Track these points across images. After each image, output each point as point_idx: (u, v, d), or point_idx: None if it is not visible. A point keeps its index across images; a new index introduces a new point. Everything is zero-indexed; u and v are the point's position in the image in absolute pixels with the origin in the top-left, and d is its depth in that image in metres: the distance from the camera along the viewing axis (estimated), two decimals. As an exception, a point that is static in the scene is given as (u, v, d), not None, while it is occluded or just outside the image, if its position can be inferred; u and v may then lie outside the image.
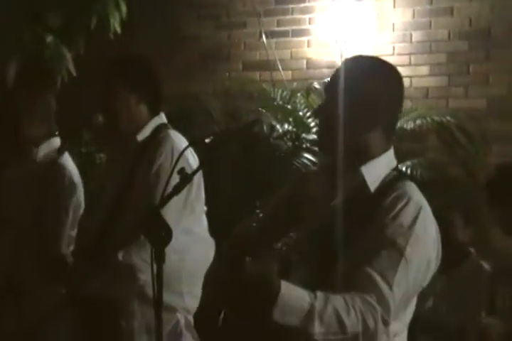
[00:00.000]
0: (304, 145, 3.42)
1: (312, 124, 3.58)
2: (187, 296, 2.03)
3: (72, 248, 2.27)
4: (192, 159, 1.97)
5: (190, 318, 2.03)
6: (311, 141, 3.40)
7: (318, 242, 1.39)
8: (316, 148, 3.41)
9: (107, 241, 2.01)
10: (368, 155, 1.44)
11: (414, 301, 1.45)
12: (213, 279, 1.46)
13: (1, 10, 3.37)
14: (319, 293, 1.27)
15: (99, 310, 2.02)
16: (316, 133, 1.60)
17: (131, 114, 2.07)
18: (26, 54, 3.37)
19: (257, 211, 1.60)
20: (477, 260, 2.69)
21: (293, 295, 1.24)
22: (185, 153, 1.99)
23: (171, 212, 1.73)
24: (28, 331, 2.19)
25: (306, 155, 3.35)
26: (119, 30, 3.64)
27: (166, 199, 1.38)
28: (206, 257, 2.11)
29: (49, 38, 3.36)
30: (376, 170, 1.44)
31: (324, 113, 1.47)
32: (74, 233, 2.45)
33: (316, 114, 1.53)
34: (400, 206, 1.38)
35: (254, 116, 3.44)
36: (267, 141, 3.18)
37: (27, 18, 3.36)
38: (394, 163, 1.48)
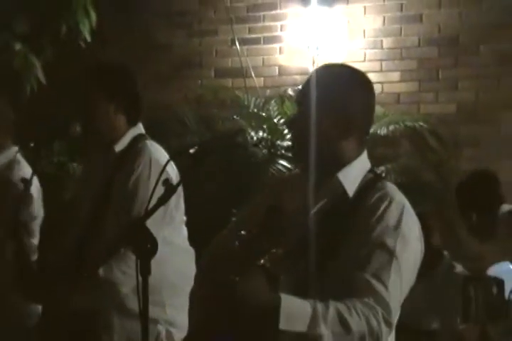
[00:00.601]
0: (279, 152, 3.43)
1: (286, 131, 3.59)
2: (168, 308, 2.00)
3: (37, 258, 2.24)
4: (171, 170, 1.95)
5: (172, 330, 2.00)
6: (286, 148, 3.41)
7: (304, 253, 1.38)
8: (291, 155, 3.42)
9: (86, 255, 1.97)
10: (342, 162, 1.45)
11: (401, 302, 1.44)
12: (201, 305, 1.43)
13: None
14: (319, 302, 1.27)
15: (79, 325, 1.98)
16: (290, 142, 1.60)
17: (109, 124, 2.04)
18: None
19: (233, 221, 1.59)
20: (451, 263, 2.72)
21: (294, 303, 1.25)
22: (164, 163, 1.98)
23: (151, 223, 1.71)
24: None
25: (282, 161, 3.36)
26: (88, 38, 3.60)
27: (151, 211, 1.36)
28: (186, 268, 2.08)
29: (17, 46, 3.29)
30: (352, 175, 1.45)
31: (297, 123, 1.47)
32: (34, 241, 2.45)
33: (289, 125, 1.53)
34: (383, 207, 1.39)
35: (233, 125, 3.44)
36: (242, 149, 3.17)
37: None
38: (368, 165, 1.49)
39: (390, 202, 1.39)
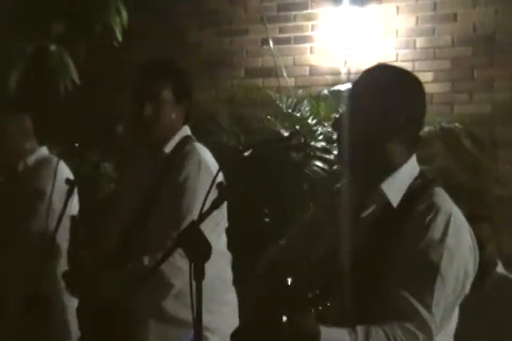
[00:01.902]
0: (313, 154, 3.40)
1: (319, 132, 3.56)
2: (205, 313, 1.98)
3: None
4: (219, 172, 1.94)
5: (208, 335, 1.98)
6: (320, 149, 3.39)
7: (349, 269, 1.35)
8: (326, 156, 3.39)
9: (132, 253, 1.96)
10: (389, 167, 1.41)
11: (457, 311, 1.42)
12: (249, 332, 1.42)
13: (3, 18, 3.32)
14: (359, 330, 1.24)
15: (113, 325, 1.98)
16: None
17: (170, 126, 2.03)
18: (29, 63, 3.32)
19: (280, 242, 1.57)
20: (504, 272, 2.61)
21: (333, 338, 1.22)
22: (214, 166, 1.96)
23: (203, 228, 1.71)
24: None
25: (317, 163, 3.33)
26: (120, 37, 3.60)
27: (205, 215, 1.35)
28: (225, 273, 2.09)
29: (53, 47, 3.31)
30: (397, 184, 1.40)
31: (344, 123, 1.43)
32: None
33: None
34: (428, 219, 1.35)
35: (268, 125, 3.42)
36: (298, 151, 3.15)
37: (30, 26, 3.32)
38: (416, 170, 1.44)
39: (436, 213, 1.35)
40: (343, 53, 3.97)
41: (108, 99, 3.95)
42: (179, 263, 1.76)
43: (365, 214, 1.41)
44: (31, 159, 2.62)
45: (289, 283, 1.26)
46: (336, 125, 1.46)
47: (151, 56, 4.17)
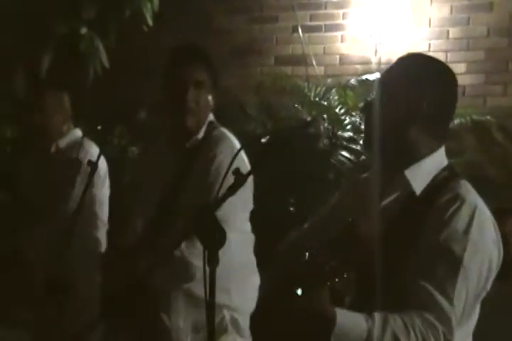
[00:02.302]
0: (340, 143, 3.37)
1: (347, 122, 3.52)
2: (234, 294, 1.99)
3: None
4: (246, 159, 1.93)
5: (237, 316, 1.99)
6: (347, 139, 3.35)
7: (369, 256, 1.32)
8: (352, 146, 3.35)
9: (161, 236, 1.96)
10: (414, 156, 1.39)
11: (478, 307, 1.40)
12: (265, 309, 1.40)
13: (35, 2, 3.35)
14: (377, 316, 1.22)
15: (143, 304, 1.99)
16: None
17: (205, 111, 2.02)
18: (61, 45, 3.34)
19: (309, 220, 1.56)
20: None
21: (349, 322, 1.21)
22: (241, 152, 1.95)
23: (230, 210, 1.71)
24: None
25: (343, 152, 3.30)
26: (151, 22, 3.60)
27: (220, 201, 1.33)
28: (251, 255, 2.09)
29: (83, 30, 3.32)
30: (422, 172, 1.38)
31: (372, 108, 1.42)
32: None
33: (363, 109, 1.49)
34: (452, 209, 1.32)
35: (294, 114, 3.39)
36: (315, 140, 3.13)
37: (61, 9, 3.34)
38: (444, 163, 1.42)
39: (461, 204, 1.33)
40: (374, 42, 3.91)
41: (135, 85, 3.96)
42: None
43: (387, 201, 1.39)
44: (64, 141, 2.61)
45: (307, 258, 1.24)
46: (365, 109, 1.45)
47: (180, 42, 4.20)
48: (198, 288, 1.91)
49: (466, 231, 1.31)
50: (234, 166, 1.85)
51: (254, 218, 2.15)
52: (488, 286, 1.37)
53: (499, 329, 2.46)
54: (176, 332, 1.98)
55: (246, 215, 2.06)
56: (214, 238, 1.29)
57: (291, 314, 1.20)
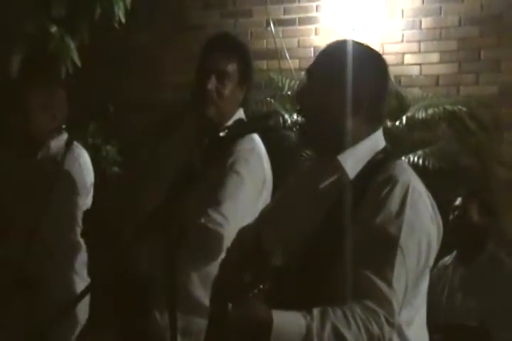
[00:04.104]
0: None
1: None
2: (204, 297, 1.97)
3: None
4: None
5: None
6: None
7: (304, 246, 1.32)
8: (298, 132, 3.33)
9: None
10: (347, 142, 1.37)
11: (425, 284, 1.37)
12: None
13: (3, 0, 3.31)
14: (315, 312, 1.20)
15: (134, 299, 1.97)
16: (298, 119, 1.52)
17: (230, 104, 1.97)
18: (30, 45, 3.32)
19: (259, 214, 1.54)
20: (496, 252, 2.61)
21: (287, 322, 1.19)
22: (266, 157, 1.96)
23: (245, 207, 1.71)
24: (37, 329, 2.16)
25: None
26: (123, 19, 3.58)
27: (171, 198, 1.32)
28: None
29: (53, 28, 3.29)
30: (356, 156, 1.37)
31: (305, 96, 1.41)
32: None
33: (296, 97, 1.46)
34: (385, 191, 1.30)
35: (267, 108, 3.38)
36: (275, 132, 3.12)
37: (30, 8, 3.30)
38: (380, 145, 1.41)
39: (394, 185, 1.30)
40: (348, 34, 3.91)
41: (109, 83, 3.94)
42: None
43: (322, 185, 1.37)
44: (54, 144, 2.40)
45: (233, 270, 1.24)
46: (299, 98, 1.43)
47: (153, 38, 4.18)
48: (197, 290, 1.88)
49: (400, 211, 1.28)
50: (252, 168, 1.82)
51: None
52: (431, 262, 1.35)
53: (465, 310, 2.51)
54: (163, 330, 1.94)
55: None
56: (175, 236, 1.29)
57: (229, 326, 1.18)
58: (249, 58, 1.99)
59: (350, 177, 1.36)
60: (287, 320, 1.20)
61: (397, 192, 1.31)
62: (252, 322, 1.18)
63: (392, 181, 1.32)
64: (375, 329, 1.22)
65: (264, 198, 1.92)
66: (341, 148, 1.38)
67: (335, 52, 1.42)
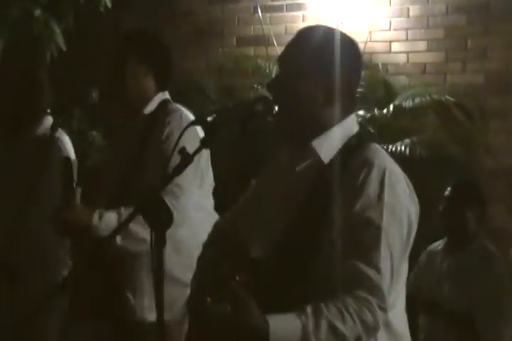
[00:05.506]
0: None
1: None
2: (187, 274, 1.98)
3: None
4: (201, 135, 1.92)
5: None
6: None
7: (282, 235, 1.31)
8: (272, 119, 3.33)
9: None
10: (321, 127, 1.37)
11: (405, 267, 1.37)
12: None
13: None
14: (309, 310, 1.19)
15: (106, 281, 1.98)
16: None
17: (138, 88, 2.06)
18: (14, 29, 3.26)
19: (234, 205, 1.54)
20: (486, 243, 2.61)
21: (283, 326, 1.17)
22: (195, 128, 1.94)
23: (182, 184, 1.76)
24: (21, 319, 2.14)
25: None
26: (109, 4, 3.53)
27: (165, 181, 1.32)
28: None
29: (37, 12, 3.24)
30: (329, 141, 1.36)
31: (278, 85, 1.40)
32: None
33: (269, 86, 1.43)
34: (362, 176, 1.29)
35: (254, 94, 3.37)
36: (262, 118, 3.10)
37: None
38: (353, 130, 1.40)
39: (370, 170, 1.29)
40: (336, 21, 3.89)
41: (94, 68, 3.89)
42: (142, 235, 1.77)
43: (298, 173, 1.36)
44: (35, 132, 2.34)
45: (210, 264, 1.24)
46: (271, 87, 1.41)
47: (140, 23, 4.13)
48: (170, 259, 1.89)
49: (380, 195, 1.27)
50: (186, 136, 1.83)
51: (221, 201, 2.15)
52: (411, 241, 1.34)
53: (452, 298, 2.53)
54: (141, 311, 1.97)
55: (205, 192, 2.06)
56: (161, 219, 1.28)
57: (207, 320, 1.18)
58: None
59: (325, 162, 1.35)
60: (283, 324, 1.18)
61: (374, 175, 1.29)
62: (249, 330, 1.16)
63: (367, 165, 1.31)
64: (369, 318, 1.22)
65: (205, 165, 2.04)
66: (315, 135, 1.37)
67: (306, 39, 1.40)
